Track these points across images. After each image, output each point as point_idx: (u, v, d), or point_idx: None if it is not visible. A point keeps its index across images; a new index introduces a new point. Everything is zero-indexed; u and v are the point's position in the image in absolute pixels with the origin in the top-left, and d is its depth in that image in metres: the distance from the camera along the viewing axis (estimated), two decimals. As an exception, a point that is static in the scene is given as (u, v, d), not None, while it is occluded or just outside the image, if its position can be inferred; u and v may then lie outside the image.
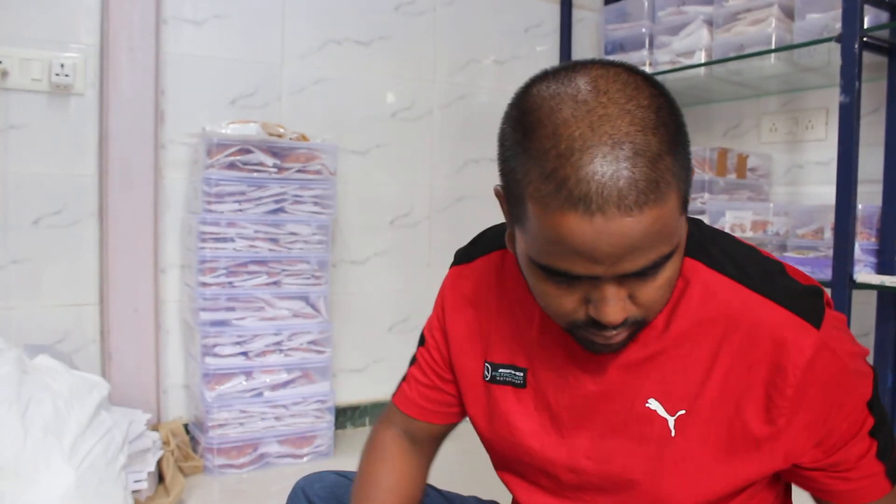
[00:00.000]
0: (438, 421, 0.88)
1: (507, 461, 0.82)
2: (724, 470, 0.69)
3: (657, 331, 0.69)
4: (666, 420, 0.69)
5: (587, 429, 0.74)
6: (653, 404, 0.70)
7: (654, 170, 0.55)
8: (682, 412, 0.69)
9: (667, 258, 0.59)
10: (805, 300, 0.67)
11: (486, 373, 0.81)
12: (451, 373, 0.86)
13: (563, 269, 0.59)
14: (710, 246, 0.71)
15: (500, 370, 0.79)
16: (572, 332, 0.66)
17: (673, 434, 0.69)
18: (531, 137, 0.58)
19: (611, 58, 2.42)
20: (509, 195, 0.63)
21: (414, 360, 0.90)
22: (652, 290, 0.61)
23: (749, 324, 0.66)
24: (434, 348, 0.87)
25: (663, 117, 0.58)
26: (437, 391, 0.87)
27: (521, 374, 0.78)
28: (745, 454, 0.68)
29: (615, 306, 0.60)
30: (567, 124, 0.56)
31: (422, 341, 0.89)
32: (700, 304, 0.68)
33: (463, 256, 0.87)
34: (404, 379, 0.91)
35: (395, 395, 0.91)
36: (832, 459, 0.67)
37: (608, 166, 0.54)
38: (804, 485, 0.72)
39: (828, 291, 1.73)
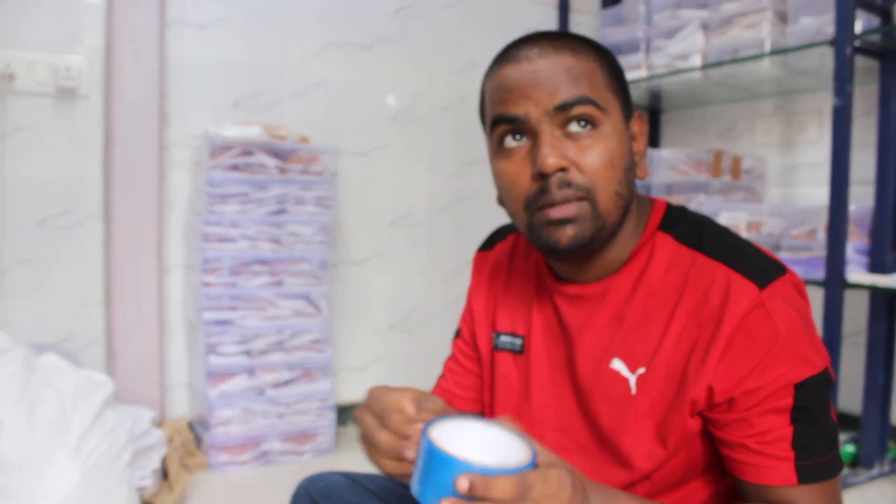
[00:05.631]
0: (473, 409, 0.93)
1: None
2: (676, 423, 0.71)
3: (624, 294, 0.76)
4: (628, 379, 0.74)
5: (573, 389, 0.80)
6: (616, 364, 0.75)
7: (572, 46, 0.73)
8: (643, 370, 0.74)
9: (594, 109, 0.71)
10: (757, 264, 0.70)
11: (493, 341, 0.88)
12: (476, 351, 0.92)
13: (503, 111, 0.72)
14: (683, 224, 0.78)
15: (502, 338, 0.87)
16: (532, 222, 0.73)
17: (634, 392, 0.74)
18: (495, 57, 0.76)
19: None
20: (482, 116, 0.78)
21: (450, 354, 0.96)
22: (591, 157, 0.71)
23: (703, 285, 0.71)
24: (466, 330, 0.94)
25: (601, 53, 0.75)
26: (470, 377, 0.93)
27: (520, 342, 0.85)
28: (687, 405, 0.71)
29: (552, 151, 0.70)
30: (517, 39, 0.75)
31: (457, 333, 0.97)
32: (664, 271, 0.75)
33: (486, 244, 0.97)
34: (441, 374, 0.97)
35: (433, 390, 0.96)
36: (740, 415, 0.68)
37: (536, 39, 0.73)
38: (724, 460, 0.72)
39: (820, 290, 1.77)
